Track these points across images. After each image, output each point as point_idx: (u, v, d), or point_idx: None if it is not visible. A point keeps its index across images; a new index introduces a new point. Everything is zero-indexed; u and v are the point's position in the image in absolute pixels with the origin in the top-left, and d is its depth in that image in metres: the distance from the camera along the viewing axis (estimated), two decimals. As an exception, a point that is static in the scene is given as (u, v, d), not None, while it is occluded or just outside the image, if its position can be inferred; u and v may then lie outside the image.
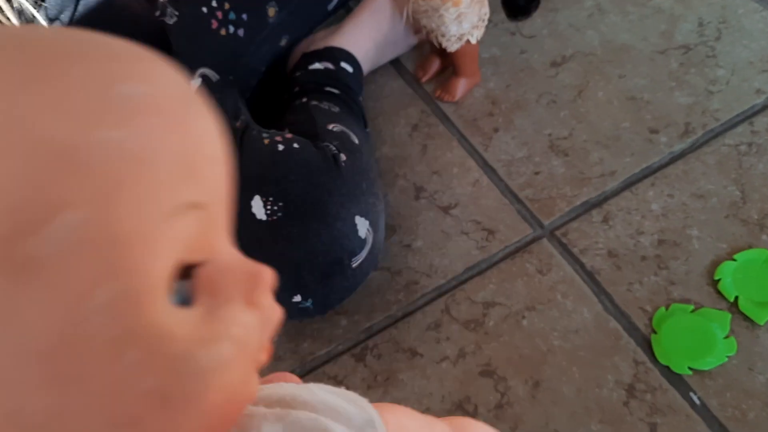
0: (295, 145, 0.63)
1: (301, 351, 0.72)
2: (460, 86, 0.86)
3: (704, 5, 0.87)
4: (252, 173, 0.60)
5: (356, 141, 0.69)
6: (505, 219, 0.76)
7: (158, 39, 0.70)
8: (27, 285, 0.14)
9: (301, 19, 0.86)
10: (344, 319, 0.73)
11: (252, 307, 0.19)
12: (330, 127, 0.70)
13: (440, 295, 0.72)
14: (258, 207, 0.59)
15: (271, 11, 0.80)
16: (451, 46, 0.81)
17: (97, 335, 0.15)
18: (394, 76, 0.93)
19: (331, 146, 0.66)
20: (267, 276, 0.19)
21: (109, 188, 0.14)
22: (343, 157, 0.65)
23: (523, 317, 0.69)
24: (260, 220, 0.60)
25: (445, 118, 0.86)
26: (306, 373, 0.70)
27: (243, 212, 0.59)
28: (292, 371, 0.70)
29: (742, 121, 0.77)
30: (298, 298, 0.63)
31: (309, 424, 0.22)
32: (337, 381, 0.69)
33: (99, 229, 0.14)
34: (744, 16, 0.85)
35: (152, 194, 0.15)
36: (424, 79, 0.90)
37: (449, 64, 0.88)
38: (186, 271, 0.17)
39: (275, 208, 0.59)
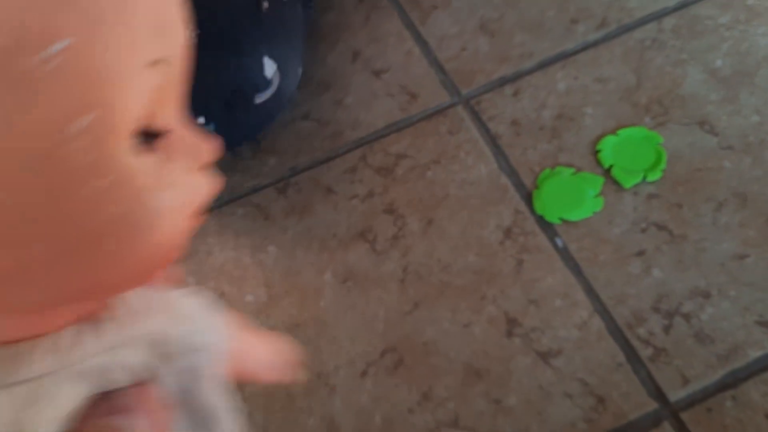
0: None
1: (231, 182, 0.80)
2: None
3: None
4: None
5: (282, 4, 0.76)
6: (429, 86, 0.84)
7: None
8: (21, 97, 0.16)
9: None
10: (273, 158, 0.81)
11: (194, 173, 0.22)
12: None
13: (360, 146, 0.81)
14: None
15: None
16: None
17: (75, 157, 0.17)
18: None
19: None
20: (210, 149, 0.23)
21: (95, 24, 0.16)
22: (265, 4, 0.71)
23: (429, 169, 0.78)
24: None
25: (390, -7, 0.93)
26: (232, 200, 0.79)
27: None
28: (221, 198, 0.79)
29: (653, 19, 0.85)
30: (202, 120, 0.71)
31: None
32: (260, 208, 0.78)
33: (85, 60, 0.16)
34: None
35: (130, 39, 0.17)
36: None
37: None
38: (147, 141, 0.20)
39: (194, 34, 0.67)
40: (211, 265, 0.75)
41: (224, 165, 0.81)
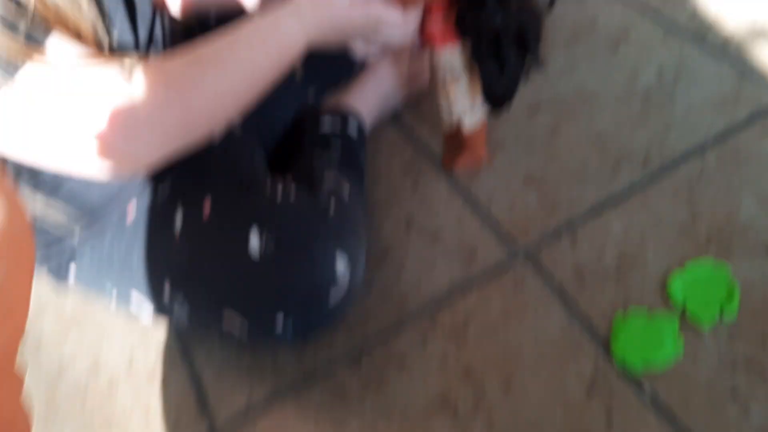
0: (293, 195, 0.75)
1: (304, 360, 0.81)
2: (460, 161, 0.93)
3: (665, 52, 0.99)
4: (253, 213, 0.71)
5: (346, 198, 0.80)
6: (485, 244, 0.86)
7: None
8: None
9: (325, 76, 0.99)
10: (342, 332, 0.82)
11: None
12: (326, 175, 0.81)
13: (427, 311, 0.82)
14: (254, 239, 0.69)
15: (297, 74, 0.93)
16: (445, 126, 0.90)
17: None
18: (391, 123, 1.05)
19: (323, 198, 0.77)
20: None
21: None
22: (332, 208, 0.76)
23: (500, 327, 0.78)
24: (252, 256, 0.69)
25: (434, 159, 0.97)
26: (307, 379, 0.79)
27: (240, 246, 0.69)
28: (296, 378, 0.80)
29: (696, 152, 0.87)
30: (281, 318, 0.72)
31: None
32: (336, 384, 0.78)
33: None
34: (697, 62, 0.96)
35: None
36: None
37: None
38: None
39: (269, 243, 0.70)
40: (294, 450, 0.74)
41: (295, 342, 0.82)
